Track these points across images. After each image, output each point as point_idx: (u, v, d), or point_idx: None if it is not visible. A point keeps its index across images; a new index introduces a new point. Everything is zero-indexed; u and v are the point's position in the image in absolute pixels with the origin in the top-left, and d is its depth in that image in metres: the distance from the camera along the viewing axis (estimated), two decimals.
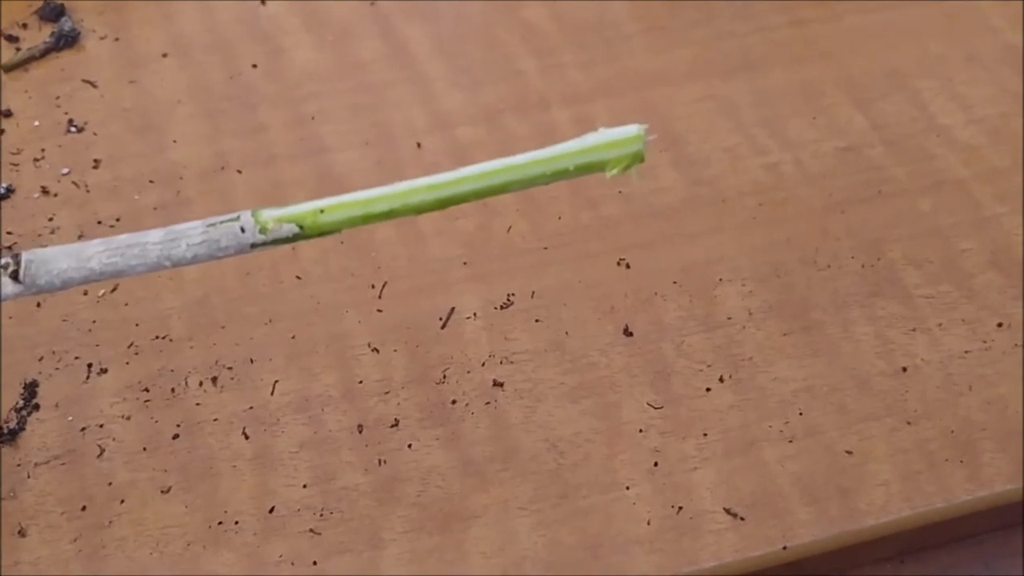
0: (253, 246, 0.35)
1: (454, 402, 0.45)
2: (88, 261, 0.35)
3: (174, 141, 0.52)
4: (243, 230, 0.34)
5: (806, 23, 0.57)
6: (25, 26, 0.56)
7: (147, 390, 0.45)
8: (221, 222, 0.34)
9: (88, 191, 0.50)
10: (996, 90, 0.54)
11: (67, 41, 0.55)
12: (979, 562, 0.45)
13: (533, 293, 0.47)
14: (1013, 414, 0.45)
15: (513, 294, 0.47)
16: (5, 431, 0.43)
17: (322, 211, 0.34)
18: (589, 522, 0.42)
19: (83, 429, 0.44)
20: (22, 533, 0.41)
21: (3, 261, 0.34)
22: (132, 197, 0.50)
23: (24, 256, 0.34)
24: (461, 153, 0.52)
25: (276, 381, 0.45)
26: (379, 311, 0.47)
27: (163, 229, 0.35)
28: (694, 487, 0.43)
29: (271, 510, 0.42)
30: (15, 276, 0.34)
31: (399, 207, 0.35)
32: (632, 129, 0.34)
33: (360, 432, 0.44)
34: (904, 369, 0.46)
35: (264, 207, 0.34)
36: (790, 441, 0.44)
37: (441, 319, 0.47)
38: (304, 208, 0.34)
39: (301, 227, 0.34)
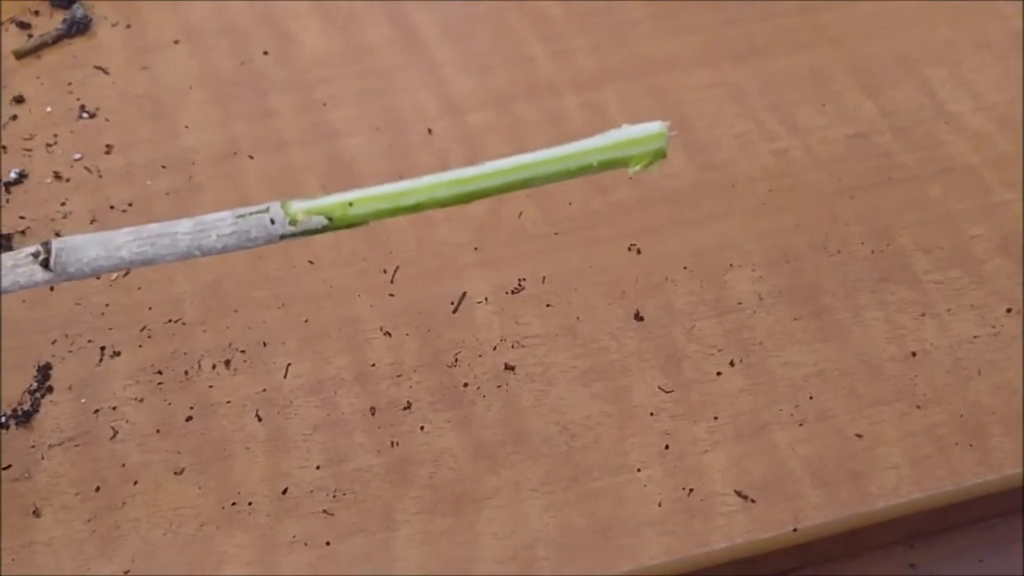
0: (282, 237, 0.35)
1: (466, 385, 0.45)
2: (118, 250, 0.35)
3: (186, 127, 0.52)
4: (273, 222, 0.35)
5: (815, 9, 0.57)
6: (37, 13, 0.56)
7: (160, 373, 0.45)
8: (251, 213, 0.35)
9: (100, 176, 0.50)
10: (1005, 76, 0.54)
11: (79, 28, 0.55)
12: (988, 546, 0.46)
13: (544, 278, 0.48)
14: (1022, 398, 0.45)
15: (524, 279, 0.48)
16: (19, 413, 0.44)
17: (351, 204, 0.35)
18: (600, 504, 0.42)
19: (96, 411, 0.44)
20: (36, 513, 0.42)
21: (34, 249, 0.35)
22: (144, 182, 0.50)
23: (54, 244, 0.35)
24: (471, 139, 0.52)
25: (289, 364, 0.45)
26: (391, 295, 0.47)
27: (192, 219, 0.35)
28: (705, 470, 0.43)
29: (284, 491, 0.42)
30: (45, 264, 0.35)
31: (426, 200, 0.35)
32: (655, 126, 0.35)
33: (373, 415, 0.44)
34: (914, 354, 0.46)
35: (293, 198, 0.35)
36: (800, 425, 0.44)
37: (453, 303, 0.47)
38: (333, 200, 0.35)
39: (330, 219, 0.35)
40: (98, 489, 0.42)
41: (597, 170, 0.35)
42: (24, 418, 0.44)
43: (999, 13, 0.57)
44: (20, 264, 0.35)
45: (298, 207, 0.35)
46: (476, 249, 0.48)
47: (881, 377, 0.45)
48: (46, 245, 0.35)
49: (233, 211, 0.35)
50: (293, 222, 0.35)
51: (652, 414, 0.44)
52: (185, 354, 0.45)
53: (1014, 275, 0.48)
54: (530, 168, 0.35)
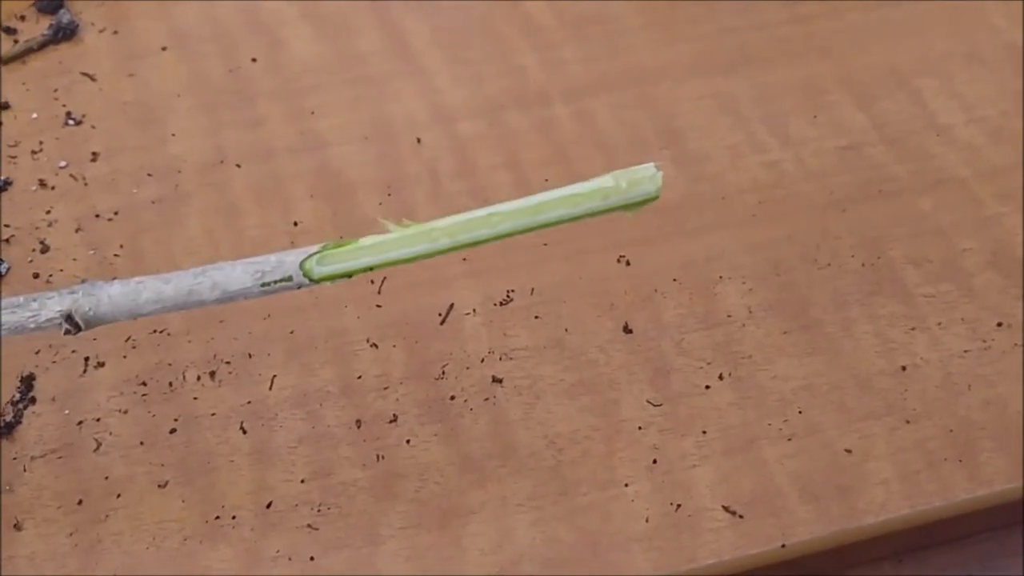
0: (299, 287, 0.36)
1: (453, 398, 0.44)
2: (139, 309, 0.36)
3: (173, 134, 0.52)
4: (298, 287, 0.36)
5: (808, 20, 0.57)
6: (23, 18, 0.56)
7: (144, 384, 0.44)
8: (275, 282, 0.36)
9: (86, 184, 0.50)
10: (997, 89, 0.54)
11: (65, 34, 0.55)
12: (977, 562, 0.45)
13: (532, 290, 0.47)
14: (1013, 413, 0.45)
15: (512, 290, 0.47)
16: (1, 424, 0.43)
17: (371, 268, 0.35)
18: (588, 519, 0.42)
19: (80, 423, 0.43)
20: (18, 527, 0.41)
21: (63, 328, 0.36)
22: (130, 190, 0.50)
23: (80, 315, 0.35)
24: (461, 148, 0.52)
25: (274, 376, 0.45)
26: (378, 306, 0.47)
27: (218, 288, 0.36)
28: (693, 485, 0.43)
29: (269, 505, 0.42)
30: (72, 325, 0.36)
31: (422, 252, 0.35)
32: (648, 170, 0.35)
33: (358, 427, 0.44)
34: (904, 368, 0.46)
35: (313, 254, 0.35)
36: (789, 439, 0.44)
37: (440, 315, 0.47)
38: (353, 265, 0.35)
39: (349, 274, 0.35)
40: (81, 502, 0.42)
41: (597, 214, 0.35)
42: (6, 430, 0.43)
43: (992, 25, 0.57)
44: (44, 325, 0.36)
45: (320, 271, 0.35)
46: (464, 260, 0.48)
47: (871, 391, 0.45)
48: (71, 320, 0.36)
49: (255, 278, 0.36)
50: (312, 280, 0.36)
51: (640, 428, 0.44)
52: (170, 365, 0.45)
53: (1005, 289, 0.48)
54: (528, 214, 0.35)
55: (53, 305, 0.36)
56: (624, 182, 0.34)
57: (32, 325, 0.36)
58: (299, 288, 0.36)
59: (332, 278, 0.35)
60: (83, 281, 0.36)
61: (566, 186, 0.35)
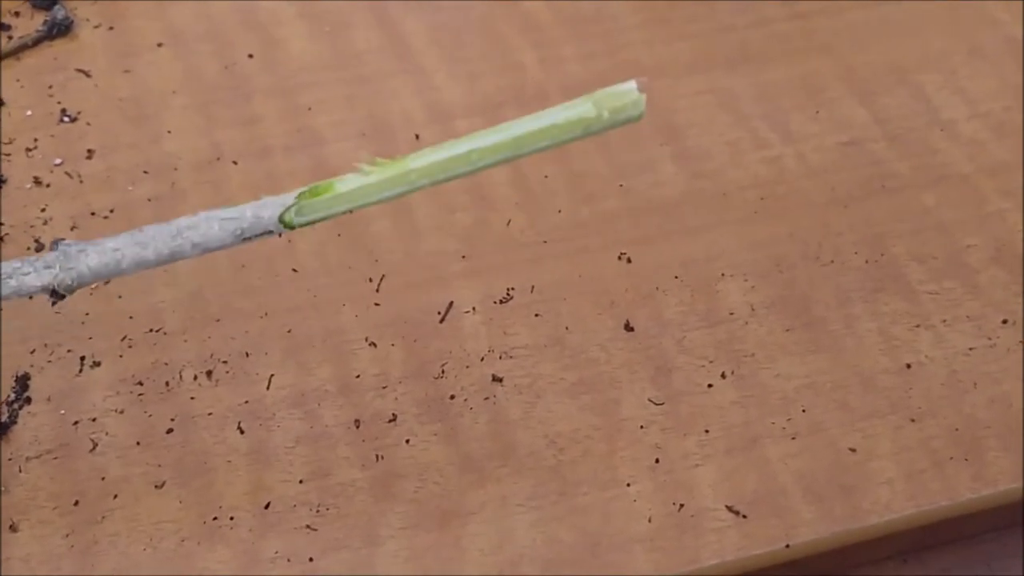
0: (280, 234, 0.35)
1: (452, 397, 0.44)
2: (122, 272, 0.35)
3: (168, 132, 0.51)
4: (279, 235, 0.35)
5: (807, 16, 0.56)
6: (17, 14, 0.55)
7: (141, 384, 0.44)
8: (256, 236, 0.35)
9: (81, 182, 0.49)
10: (999, 84, 0.54)
11: (60, 30, 0.54)
12: (982, 562, 0.45)
13: (532, 287, 0.47)
14: (1018, 412, 0.44)
15: (512, 288, 0.47)
16: None
17: (351, 211, 0.35)
18: (588, 519, 0.41)
19: (75, 423, 0.43)
20: (13, 528, 0.41)
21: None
22: (126, 188, 0.49)
23: (60, 289, 0.35)
24: None
25: (272, 375, 0.44)
26: (376, 305, 0.46)
27: (198, 247, 0.35)
28: (696, 484, 0.42)
29: (267, 506, 0.41)
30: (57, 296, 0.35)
31: (400, 193, 0.34)
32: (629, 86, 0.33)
33: (357, 427, 0.43)
34: (908, 366, 0.45)
35: (290, 206, 0.35)
36: (793, 438, 0.43)
37: (439, 313, 0.46)
38: (332, 211, 0.35)
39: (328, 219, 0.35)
40: (77, 503, 0.41)
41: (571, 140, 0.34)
42: (1, 430, 0.43)
43: (994, 20, 0.57)
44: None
45: (299, 221, 0.35)
46: (463, 258, 0.48)
47: (875, 390, 0.45)
48: (54, 292, 0.35)
49: (236, 236, 0.35)
50: (292, 228, 0.35)
51: (642, 427, 0.43)
52: (166, 364, 0.44)
53: (1009, 286, 0.48)
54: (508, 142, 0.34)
55: (32, 281, 0.35)
56: (605, 111, 0.33)
57: (11, 294, 0.35)
58: (280, 235, 0.35)
59: (312, 223, 0.34)
60: (56, 245, 0.35)
61: (542, 112, 0.33)
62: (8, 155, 0.50)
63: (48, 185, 0.49)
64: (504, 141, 0.34)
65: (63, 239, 0.35)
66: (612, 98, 0.33)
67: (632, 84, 0.33)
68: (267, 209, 0.34)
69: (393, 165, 0.34)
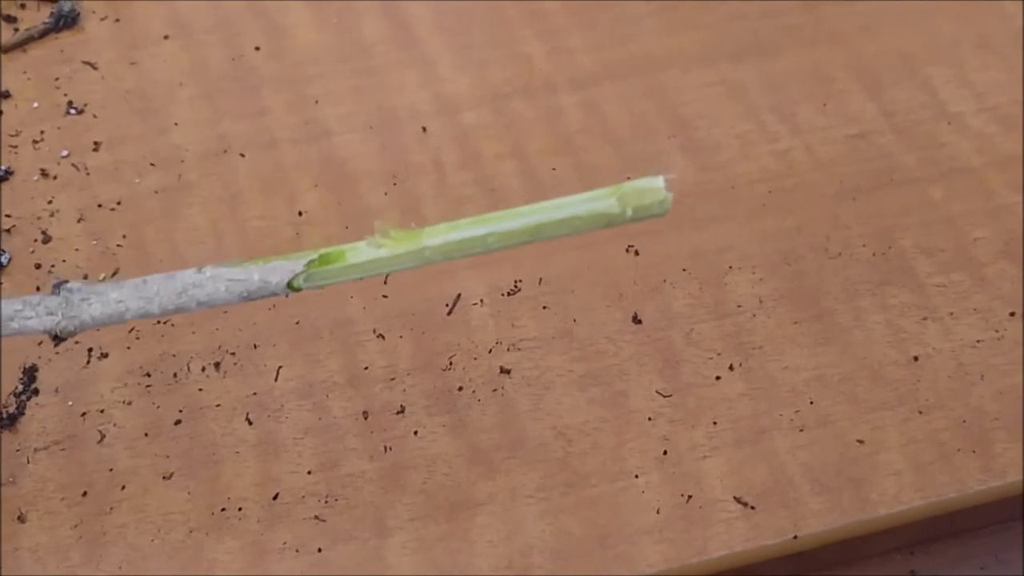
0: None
1: (460, 389, 0.44)
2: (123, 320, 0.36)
3: (175, 124, 0.51)
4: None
5: (816, 7, 0.56)
6: (23, 6, 0.55)
7: (148, 375, 0.44)
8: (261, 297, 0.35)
9: (88, 174, 0.49)
10: (1008, 77, 0.54)
11: (67, 22, 0.54)
12: (989, 553, 0.45)
13: (540, 280, 0.47)
14: None
15: (520, 280, 0.47)
16: (4, 416, 0.43)
17: (359, 279, 0.35)
18: (597, 511, 0.41)
19: (83, 414, 0.43)
20: (22, 519, 0.41)
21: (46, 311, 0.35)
22: (133, 180, 0.49)
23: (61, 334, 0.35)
24: (466, 137, 0.51)
25: (280, 367, 0.44)
26: (384, 297, 0.46)
27: (202, 305, 0.35)
28: (704, 476, 0.42)
29: (275, 497, 0.41)
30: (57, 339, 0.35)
31: (411, 267, 0.35)
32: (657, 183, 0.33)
33: (365, 419, 0.43)
34: (916, 358, 0.45)
35: (299, 273, 0.34)
36: (801, 430, 0.43)
37: (447, 305, 0.46)
38: (340, 279, 0.34)
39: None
40: (85, 494, 0.41)
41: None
42: (9, 421, 0.43)
43: (1003, 12, 0.56)
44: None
45: (306, 286, 0.34)
46: None
47: (883, 382, 0.45)
48: (54, 336, 0.35)
49: (242, 297, 0.35)
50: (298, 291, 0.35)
51: (650, 419, 0.43)
52: (174, 356, 0.44)
53: (1017, 278, 0.47)
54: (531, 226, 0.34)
55: (34, 325, 0.35)
56: (630, 209, 0.32)
57: (12, 334, 0.36)
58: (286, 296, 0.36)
59: (319, 288, 0.35)
60: (59, 289, 0.35)
61: (567, 200, 0.33)
62: (15, 147, 0.50)
63: (55, 177, 0.49)
64: (523, 228, 0.33)
65: (66, 281, 0.35)
66: (638, 195, 0.32)
67: (660, 182, 0.32)
68: (275, 274, 0.34)
69: (407, 241, 0.34)
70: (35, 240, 0.47)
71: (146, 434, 0.43)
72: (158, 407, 0.43)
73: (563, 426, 0.43)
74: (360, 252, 0.34)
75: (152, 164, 0.50)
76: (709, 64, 0.54)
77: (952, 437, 0.43)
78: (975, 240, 0.48)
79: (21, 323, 0.35)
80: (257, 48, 0.54)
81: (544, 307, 0.46)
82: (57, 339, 0.35)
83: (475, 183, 0.50)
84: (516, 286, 0.47)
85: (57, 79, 0.53)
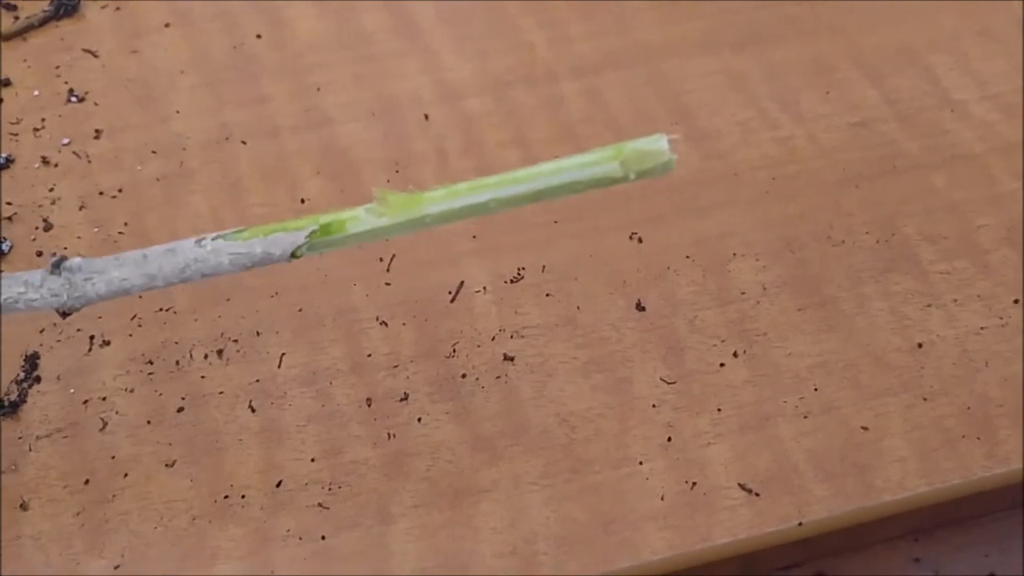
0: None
1: (464, 376, 0.44)
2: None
3: (176, 112, 0.51)
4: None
5: None
6: None
7: (151, 363, 0.44)
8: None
9: (89, 162, 0.49)
10: (1010, 65, 0.54)
11: (67, 10, 0.54)
12: (993, 540, 0.45)
13: (544, 267, 0.47)
14: None
15: (523, 268, 0.47)
16: (6, 404, 0.42)
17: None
18: (601, 498, 0.41)
19: (85, 402, 0.43)
20: (24, 507, 0.41)
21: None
22: (134, 168, 0.49)
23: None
24: (468, 125, 0.51)
25: (283, 354, 0.44)
26: (387, 284, 0.46)
27: (206, 277, 0.35)
28: (708, 463, 0.42)
29: (278, 484, 0.41)
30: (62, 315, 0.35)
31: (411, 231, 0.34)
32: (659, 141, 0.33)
33: (369, 406, 0.43)
34: (920, 345, 0.45)
35: (301, 244, 0.34)
36: (805, 417, 0.43)
37: (450, 293, 0.46)
38: (341, 245, 0.34)
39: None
40: (87, 482, 0.41)
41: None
42: (11, 409, 0.42)
43: (1004, 1, 0.56)
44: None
45: (308, 254, 0.34)
46: (474, 237, 0.47)
47: (887, 369, 0.44)
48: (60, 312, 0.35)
49: (244, 267, 0.35)
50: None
51: (654, 406, 0.43)
52: (176, 343, 0.44)
53: (1020, 265, 0.47)
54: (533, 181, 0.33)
55: (38, 304, 0.35)
56: (632, 172, 0.32)
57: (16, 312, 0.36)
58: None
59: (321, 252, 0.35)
60: (59, 267, 0.35)
61: (569, 161, 0.33)
62: (16, 135, 0.50)
63: (56, 165, 0.49)
64: (524, 193, 0.33)
65: (65, 258, 0.35)
66: (640, 157, 0.32)
67: (663, 142, 0.32)
68: (278, 247, 0.34)
69: (408, 206, 0.33)
70: (36, 228, 0.47)
71: (148, 421, 0.42)
72: (160, 394, 0.43)
73: (567, 413, 0.43)
74: (361, 221, 0.34)
75: (153, 152, 0.50)
76: (711, 53, 0.54)
77: (956, 424, 0.43)
78: (978, 227, 0.48)
79: (26, 303, 0.35)
80: (258, 36, 0.54)
81: (547, 294, 0.46)
82: (62, 313, 0.35)
83: (477, 171, 0.49)
84: (519, 273, 0.47)
85: (58, 67, 0.52)
